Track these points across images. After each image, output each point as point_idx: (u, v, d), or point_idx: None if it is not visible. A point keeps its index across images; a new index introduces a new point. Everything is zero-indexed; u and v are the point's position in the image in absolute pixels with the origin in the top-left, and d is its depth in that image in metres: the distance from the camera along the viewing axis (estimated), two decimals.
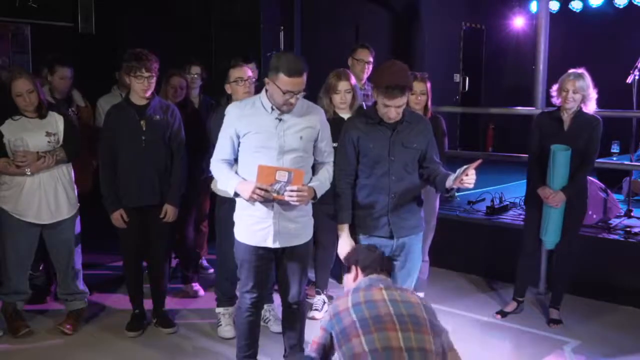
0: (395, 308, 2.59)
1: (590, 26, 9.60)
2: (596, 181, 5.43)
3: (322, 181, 3.37)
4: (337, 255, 3.70)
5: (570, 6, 9.96)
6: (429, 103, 4.40)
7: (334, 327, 2.62)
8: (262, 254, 3.34)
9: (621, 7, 9.42)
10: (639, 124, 5.98)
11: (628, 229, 5.02)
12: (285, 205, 3.24)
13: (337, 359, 2.66)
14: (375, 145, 3.43)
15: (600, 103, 4.33)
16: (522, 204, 5.34)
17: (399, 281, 3.53)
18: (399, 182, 3.44)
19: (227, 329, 4.23)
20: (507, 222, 5.53)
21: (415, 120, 3.53)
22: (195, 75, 5.09)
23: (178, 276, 5.12)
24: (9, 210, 4.06)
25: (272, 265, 3.44)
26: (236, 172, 3.31)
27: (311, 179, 3.35)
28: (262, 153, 3.21)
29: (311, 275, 4.03)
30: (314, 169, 3.43)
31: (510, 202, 5.96)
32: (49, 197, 4.08)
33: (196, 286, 5.01)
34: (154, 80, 4.04)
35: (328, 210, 3.69)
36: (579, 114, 4.26)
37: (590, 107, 4.27)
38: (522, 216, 5.26)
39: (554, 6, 9.48)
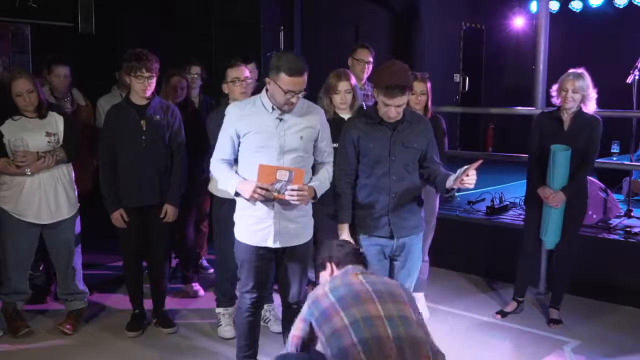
0: (373, 286, 2.61)
1: (590, 26, 9.60)
2: (596, 181, 5.43)
3: (322, 181, 3.37)
4: None
5: (570, 6, 9.96)
6: (429, 103, 4.40)
7: (313, 313, 2.62)
8: (262, 254, 3.34)
9: (621, 7, 9.42)
10: (639, 124, 5.98)
11: (628, 229, 5.02)
12: (285, 205, 3.24)
13: (320, 346, 2.65)
14: (376, 145, 3.43)
15: (600, 103, 4.33)
16: (522, 204, 5.34)
17: (400, 281, 3.53)
18: (399, 182, 3.44)
19: (227, 329, 4.23)
20: (507, 222, 5.53)
21: (415, 120, 3.53)
22: (195, 75, 5.09)
23: (178, 276, 5.12)
24: (9, 210, 4.06)
25: (273, 265, 3.44)
26: (236, 172, 3.31)
27: (311, 178, 3.35)
28: (262, 153, 3.21)
29: (311, 275, 4.03)
30: (314, 169, 3.43)
31: (510, 202, 5.96)
32: (49, 197, 4.08)
33: (196, 286, 5.01)
34: (154, 80, 4.04)
35: (328, 210, 3.69)
36: (579, 114, 4.26)
37: (590, 107, 4.27)
38: (522, 216, 5.26)
39: (554, 6, 9.48)
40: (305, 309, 2.71)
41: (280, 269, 3.45)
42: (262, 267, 3.37)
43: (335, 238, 3.60)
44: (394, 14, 9.20)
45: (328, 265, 2.92)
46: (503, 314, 4.62)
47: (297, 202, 3.20)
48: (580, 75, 4.21)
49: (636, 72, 5.59)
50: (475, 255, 5.56)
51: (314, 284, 4.65)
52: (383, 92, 3.30)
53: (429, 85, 4.38)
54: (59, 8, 6.33)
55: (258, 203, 3.24)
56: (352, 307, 2.51)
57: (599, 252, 4.92)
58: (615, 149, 7.50)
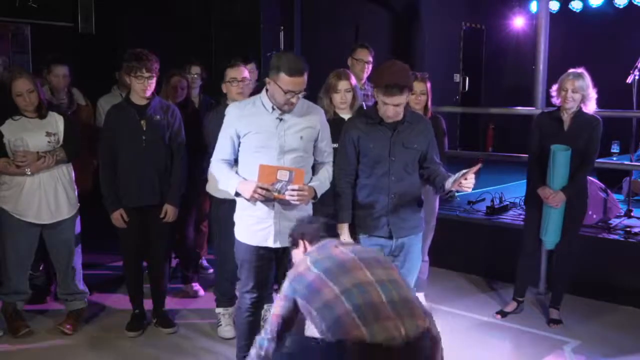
0: (357, 255, 2.60)
1: (590, 26, 9.60)
2: (596, 181, 5.43)
3: (322, 181, 3.37)
4: None
5: (570, 6, 9.96)
6: (429, 103, 4.40)
7: (297, 289, 2.57)
8: (262, 254, 3.34)
9: (621, 7, 9.41)
10: (639, 124, 5.98)
11: (628, 229, 5.02)
12: (285, 205, 3.24)
13: (310, 326, 2.58)
14: (376, 145, 3.43)
15: (600, 103, 4.33)
16: (522, 204, 5.34)
17: None
18: (399, 183, 3.45)
19: (227, 329, 4.23)
20: (507, 222, 5.53)
21: (416, 120, 3.53)
22: (195, 75, 5.10)
23: (178, 276, 5.12)
24: (9, 210, 4.06)
25: (273, 265, 3.44)
26: (236, 172, 3.31)
27: (311, 179, 3.35)
28: (262, 153, 3.21)
29: None
30: (314, 169, 3.43)
31: (510, 202, 5.96)
32: (49, 197, 4.08)
33: (196, 286, 5.01)
34: (154, 80, 4.04)
35: (328, 211, 3.69)
36: (579, 114, 4.26)
37: (590, 107, 4.27)
38: (522, 216, 5.26)
39: (554, 6, 9.47)
40: (286, 287, 2.64)
41: (280, 269, 3.45)
42: (262, 267, 3.37)
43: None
44: (394, 14, 9.19)
45: (300, 242, 2.87)
46: (503, 314, 4.62)
47: (298, 202, 3.20)
48: (580, 75, 4.21)
49: (636, 72, 5.59)
50: (475, 255, 5.56)
51: None
52: (382, 91, 3.31)
53: (428, 85, 4.38)
54: (59, 8, 6.33)
55: (258, 203, 3.25)
56: (340, 277, 2.48)
57: (599, 252, 4.92)
58: (615, 149, 7.49)
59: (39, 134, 4.05)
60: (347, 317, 2.36)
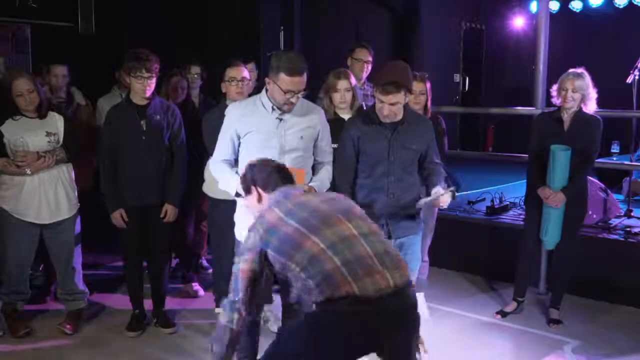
0: (332, 205, 2.57)
1: (590, 26, 9.61)
2: (596, 181, 5.43)
3: (323, 181, 3.37)
4: None
5: (570, 6, 9.96)
6: (429, 103, 4.40)
7: (269, 241, 2.49)
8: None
9: (621, 7, 9.42)
10: (639, 124, 5.98)
11: (628, 229, 5.02)
12: None
13: (293, 280, 2.51)
14: (375, 145, 3.43)
15: (600, 103, 4.33)
16: (522, 204, 5.33)
17: None
18: (397, 183, 3.44)
19: None
20: (507, 222, 5.52)
21: (416, 120, 3.53)
22: (195, 75, 5.09)
23: (178, 276, 5.12)
24: (9, 210, 4.06)
25: None
26: (236, 173, 3.31)
27: (311, 178, 3.35)
28: (262, 153, 3.19)
29: None
30: (314, 169, 3.43)
31: (510, 202, 5.95)
32: (49, 197, 4.08)
33: (196, 286, 5.01)
34: (154, 80, 4.04)
35: None
36: (579, 114, 4.26)
37: (590, 107, 4.27)
38: (522, 216, 5.26)
39: (554, 6, 9.48)
40: (253, 238, 2.54)
41: None
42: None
43: None
44: (394, 14, 9.19)
45: (253, 189, 2.77)
46: (503, 314, 4.62)
47: None
48: (580, 75, 4.21)
49: (636, 72, 5.59)
50: (475, 255, 5.56)
51: None
52: (379, 89, 3.31)
53: (428, 85, 4.38)
54: (59, 8, 6.33)
55: None
56: (323, 230, 2.44)
57: (599, 252, 4.92)
58: (615, 149, 7.50)
59: (39, 134, 4.05)
60: (337, 273, 2.35)
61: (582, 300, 4.85)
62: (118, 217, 4.11)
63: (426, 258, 4.56)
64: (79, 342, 4.17)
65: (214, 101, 4.85)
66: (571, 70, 4.27)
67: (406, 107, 3.49)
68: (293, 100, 3.18)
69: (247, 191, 2.81)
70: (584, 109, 4.26)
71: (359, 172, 3.49)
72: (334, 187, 3.48)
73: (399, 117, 3.42)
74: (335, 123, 3.86)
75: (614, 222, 5.25)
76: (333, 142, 3.57)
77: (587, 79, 4.23)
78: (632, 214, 5.42)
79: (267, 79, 3.21)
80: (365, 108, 4.15)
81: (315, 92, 4.18)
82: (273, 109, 3.23)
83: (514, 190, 6.49)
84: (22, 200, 4.04)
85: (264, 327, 3.99)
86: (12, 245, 4.11)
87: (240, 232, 3.38)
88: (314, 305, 2.42)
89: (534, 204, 4.41)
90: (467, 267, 5.57)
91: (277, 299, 3.89)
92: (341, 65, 4.63)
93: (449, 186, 3.48)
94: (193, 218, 5.02)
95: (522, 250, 4.57)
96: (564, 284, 4.54)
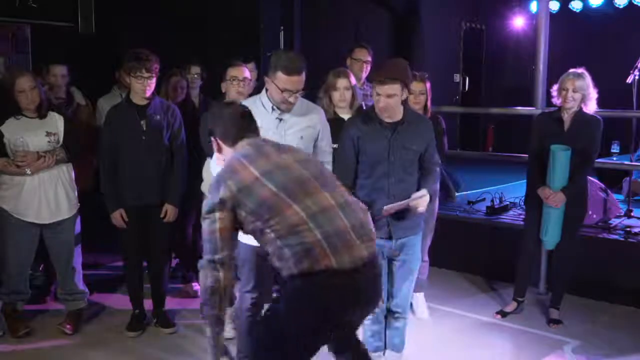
0: (307, 169, 2.53)
1: (590, 26, 9.61)
2: (596, 181, 5.43)
3: None
4: None
5: (570, 6, 9.96)
6: (429, 103, 4.40)
7: (244, 203, 2.42)
8: (263, 253, 3.33)
9: (621, 7, 9.42)
10: (639, 124, 5.97)
11: (628, 229, 5.02)
12: None
13: (269, 245, 2.46)
14: (375, 146, 3.42)
15: (600, 103, 4.33)
16: (522, 204, 5.33)
17: (399, 281, 3.53)
18: (398, 184, 3.43)
19: (227, 329, 4.23)
20: (507, 222, 5.52)
21: (416, 120, 3.52)
22: (195, 75, 5.09)
23: (178, 276, 5.12)
24: (9, 210, 4.06)
25: None
26: None
27: None
28: None
29: None
30: None
31: (510, 202, 5.95)
32: (49, 196, 4.08)
33: (196, 286, 5.00)
34: (153, 80, 4.05)
35: None
36: (579, 114, 4.26)
37: (591, 107, 4.27)
38: (522, 216, 5.26)
39: (554, 6, 9.48)
40: (224, 194, 2.44)
41: None
42: (262, 267, 3.36)
43: None
44: (394, 14, 9.19)
45: (213, 140, 2.68)
46: (503, 314, 4.62)
47: None
48: (580, 75, 4.21)
49: (636, 72, 5.59)
50: (475, 255, 5.56)
51: None
52: (376, 81, 3.31)
53: (428, 85, 4.38)
54: (59, 8, 6.32)
55: None
56: (303, 198, 2.42)
57: (599, 252, 4.92)
58: (615, 149, 7.50)
59: (39, 133, 4.05)
60: (318, 246, 2.37)
61: (582, 300, 4.85)
62: (118, 217, 4.11)
63: (426, 258, 4.56)
64: (79, 342, 4.17)
65: (214, 101, 4.86)
66: (571, 70, 4.27)
67: (406, 107, 3.48)
68: (291, 99, 3.17)
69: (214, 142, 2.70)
70: (584, 109, 4.26)
71: (359, 172, 3.49)
72: None
73: (398, 115, 3.40)
74: (335, 123, 3.86)
75: (614, 222, 5.25)
76: (333, 142, 3.56)
77: (588, 79, 4.23)
78: (632, 214, 5.42)
79: (266, 78, 3.21)
80: (364, 108, 4.15)
81: (315, 92, 4.18)
82: (273, 109, 3.23)
83: (514, 190, 6.49)
84: (22, 200, 4.04)
85: None
86: (12, 245, 4.11)
87: (240, 232, 3.37)
88: (289, 277, 2.42)
89: (534, 204, 4.41)
90: (467, 267, 5.57)
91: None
92: (341, 65, 4.63)
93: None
94: (193, 218, 5.01)
95: (522, 250, 4.57)
96: (564, 284, 4.54)
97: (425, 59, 8.88)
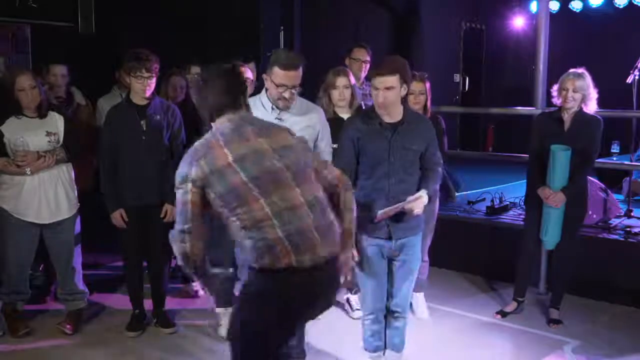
0: (282, 159, 2.46)
1: (590, 26, 9.61)
2: (596, 181, 5.43)
3: None
4: None
5: (570, 6, 9.96)
6: (429, 103, 4.40)
7: (214, 185, 2.39)
8: None
9: (621, 7, 9.42)
10: (639, 124, 5.97)
11: (628, 229, 5.02)
12: None
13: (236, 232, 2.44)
14: (375, 146, 3.41)
15: (600, 103, 4.33)
16: (522, 204, 5.33)
17: (399, 281, 3.53)
18: (398, 184, 3.42)
19: (225, 330, 4.23)
20: (507, 222, 5.52)
21: (416, 120, 3.51)
22: (195, 75, 5.08)
23: (178, 276, 5.12)
24: (9, 210, 4.06)
25: None
26: None
27: None
28: None
29: None
30: None
31: (510, 202, 5.95)
32: (49, 196, 4.08)
33: (196, 286, 5.00)
34: (153, 80, 4.05)
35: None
36: (580, 114, 4.26)
37: (591, 107, 4.27)
38: (522, 216, 5.26)
39: (554, 6, 9.48)
40: (196, 172, 2.40)
41: None
42: None
43: None
44: (394, 14, 9.20)
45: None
46: (503, 314, 4.62)
47: None
48: (580, 75, 4.21)
49: (636, 72, 5.59)
50: (475, 255, 5.56)
51: None
52: (374, 75, 3.29)
53: (428, 85, 4.37)
54: (59, 8, 6.33)
55: None
56: (272, 194, 2.39)
57: (599, 252, 4.92)
58: (615, 149, 7.50)
59: (39, 133, 4.05)
60: (280, 244, 2.36)
61: (582, 300, 4.85)
62: (118, 217, 4.11)
63: (426, 258, 4.56)
64: (79, 342, 4.17)
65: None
66: (572, 70, 4.27)
67: (406, 107, 3.47)
68: (286, 95, 3.17)
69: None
70: (585, 109, 4.26)
71: (359, 173, 3.47)
72: None
73: (398, 115, 3.37)
74: (335, 122, 3.86)
75: (614, 222, 5.25)
76: (333, 142, 3.56)
77: (588, 79, 4.23)
78: (632, 214, 5.42)
79: (264, 75, 3.22)
80: (364, 108, 4.15)
81: (315, 91, 4.19)
82: (272, 109, 3.24)
83: (514, 190, 6.49)
84: (22, 200, 4.04)
85: None
86: (12, 245, 4.11)
87: None
88: (250, 270, 2.43)
89: (534, 204, 4.41)
90: (467, 267, 5.57)
91: None
92: (341, 65, 4.63)
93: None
94: None
95: (522, 250, 4.57)
96: (564, 284, 4.54)
97: (425, 59, 8.89)
